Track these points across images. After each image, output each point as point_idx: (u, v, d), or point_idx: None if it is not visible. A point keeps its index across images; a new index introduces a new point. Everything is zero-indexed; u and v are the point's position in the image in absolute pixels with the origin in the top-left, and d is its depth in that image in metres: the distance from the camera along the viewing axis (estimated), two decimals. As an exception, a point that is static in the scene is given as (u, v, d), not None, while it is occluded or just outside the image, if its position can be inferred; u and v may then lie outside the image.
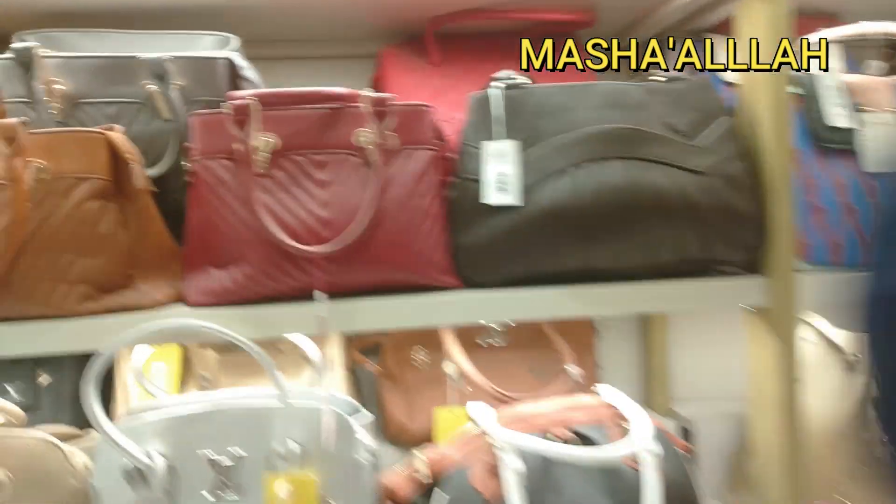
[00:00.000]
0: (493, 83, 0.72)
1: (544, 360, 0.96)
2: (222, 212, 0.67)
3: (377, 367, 0.93)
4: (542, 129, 0.71)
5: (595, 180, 0.69)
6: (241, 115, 0.65)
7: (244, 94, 0.66)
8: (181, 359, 0.86)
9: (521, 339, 0.96)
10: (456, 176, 0.73)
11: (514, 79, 0.72)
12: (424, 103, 0.71)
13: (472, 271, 0.73)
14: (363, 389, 0.99)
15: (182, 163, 0.72)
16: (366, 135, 0.68)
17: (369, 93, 0.67)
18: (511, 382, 0.90)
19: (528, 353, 0.97)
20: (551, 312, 0.71)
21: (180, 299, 0.72)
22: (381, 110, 0.67)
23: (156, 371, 0.83)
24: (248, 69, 0.74)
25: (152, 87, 0.71)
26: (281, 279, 0.67)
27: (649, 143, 0.70)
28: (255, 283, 0.67)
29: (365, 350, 0.97)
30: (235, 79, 0.75)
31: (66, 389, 0.87)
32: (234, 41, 0.77)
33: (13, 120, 0.61)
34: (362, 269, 0.68)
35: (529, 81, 0.72)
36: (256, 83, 0.73)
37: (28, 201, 0.62)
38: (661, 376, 1.09)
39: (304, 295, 0.68)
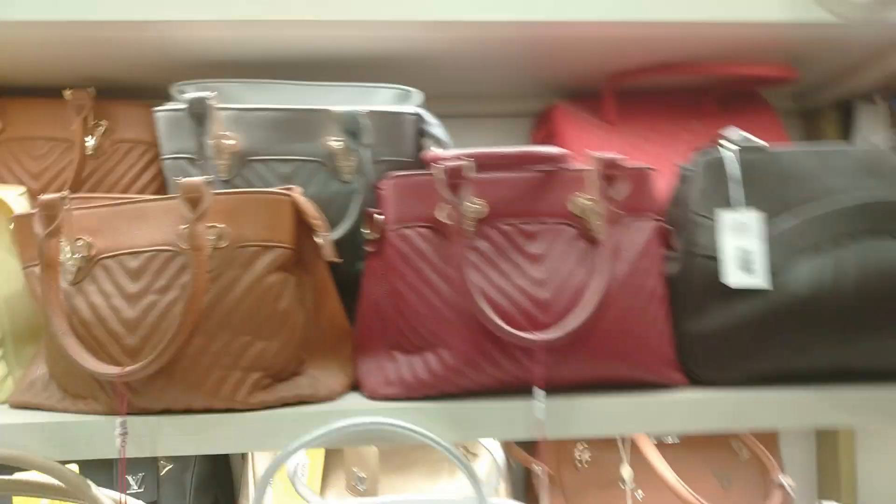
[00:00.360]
0: (725, 144, 0.62)
1: (730, 461, 0.82)
2: (419, 288, 0.57)
3: (543, 467, 0.80)
4: (787, 199, 0.60)
5: (863, 261, 0.57)
6: (455, 179, 0.55)
7: (453, 155, 0.57)
8: (324, 452, 0.75)
9: (697, 435, 0.83)
10: (681, 251, 0.62)
11: (749, 139, 0.62)
12: (648, 165, 0.61)
13: (700, 366, 0.61)
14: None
15: (361, 230, 0.63)
16: (586, 201, 0.58)
17: (597, 153, 0.58)
18: (692, 489, 0.76)
19: (709, 452, 0.83)
20: (803, 420, 0.58)
21: (354, 388, 0.62)
22: (610, 174, 0.57)
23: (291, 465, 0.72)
24: (436, 126, 0.65)
25: (335, 144, 0.62)
26: (487, 370, 0.56)
27: (918, 216, 0.59)
28: (456, 373, 0.56)
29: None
30: (419, 137, 0.67)
31: (189, 479, 0.76)
32: (417, 95, 0.68)
33: (199, 179, 0.53)
34: (581, 360, 0.57)
35: (765, 143, 0.62)
36: (445, 142, 0.65)
37: (207, 272, 0.53)
38: (848, 480, 0.93)
39: (507, 390, 0.57)
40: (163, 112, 0.64)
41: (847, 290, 0.57)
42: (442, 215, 0.57)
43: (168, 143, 0.64)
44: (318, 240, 0.58)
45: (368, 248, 0.62)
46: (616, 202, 0.57)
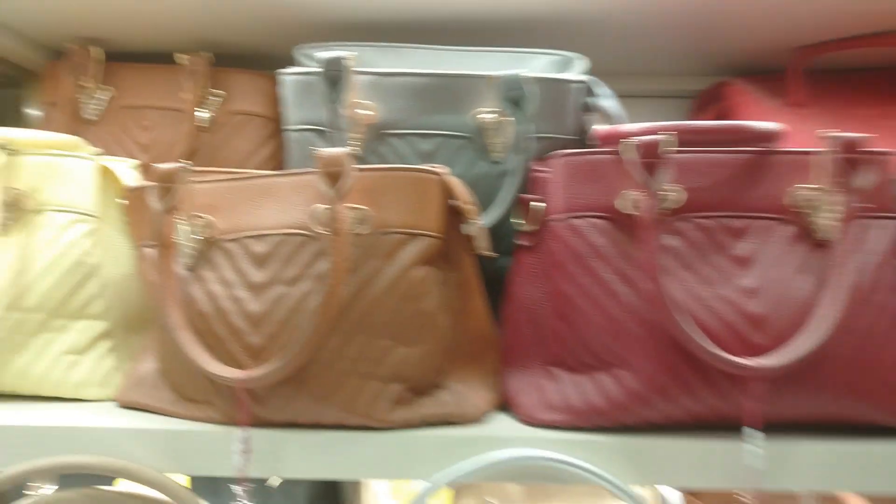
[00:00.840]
0: None
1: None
2: (594, 292, 0.46)
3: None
4: None
5: None
6: (650, 157, 0.45)
7: (641, 128, 0.46)
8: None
9: None
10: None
11: None
12: (890, 150, 0.48)
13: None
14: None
15: (511, 220, 0.53)
16: (813, 192, 0.46)
17: (831, 132, 0.45)
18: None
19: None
20: None
21: (500, 407, 0.52)
22: (852, 157, 0.45)
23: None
24: (608, 98, 0.55)
25: (488, 116, 0.53)
26: (680, 400, 0.45)
27: None
28: (640, 402, 0.45)
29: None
30: (583, 111, 0.56)
31: (300, 491, 0.69)
32: (581, 63, 0.58)
33: (340, 151, 0.44)
34: (804, 394, 0.45)
35: None
36: (619, 118, 0.54)
37: (348, 262, 0.45)
38: None
39: (702, 425, 0.46)
40: (291, 76, 0.56)
41: None
42: (624, 204, 0.46)
43: (295, 112, 0.56)
44: (470, 229, 0.48)
45: (522, 242, 0.52)
46: (858, 194, 0.45)
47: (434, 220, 0.47)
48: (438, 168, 0.49)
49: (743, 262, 0.46)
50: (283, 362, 0.43)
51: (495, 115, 0.52)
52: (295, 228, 0.47)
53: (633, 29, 0.65)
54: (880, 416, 0.46)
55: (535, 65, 0.58)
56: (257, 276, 0.47)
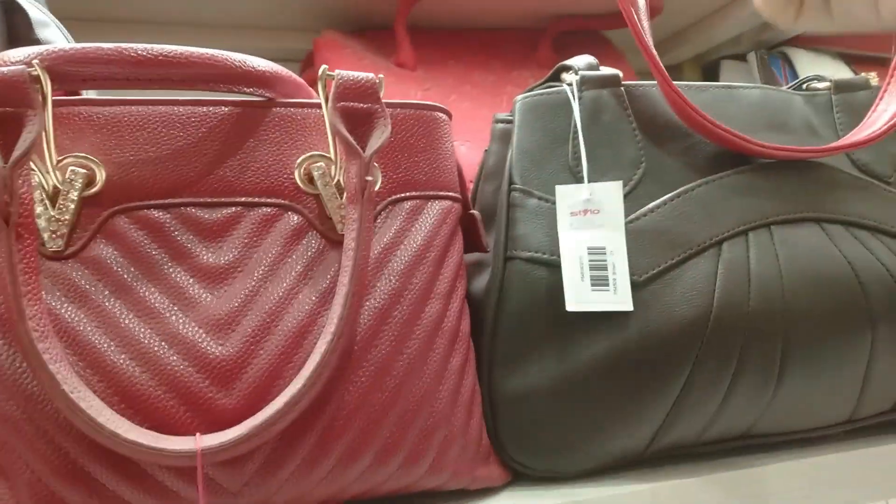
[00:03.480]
0: (565, 76, 0.37)
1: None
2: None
3: None
4: (659, 163, 0.37)
5: (776, 263, 0.35)
6: (17, 104, 0.25)
7: (29, 55, 0.27)
8: None
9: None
10: (493, 252, 0.37)
11: (597, 68, 0.38)
12: (440, 105, 0.35)
13: (528, 450, 0.36)
14: None
15: None
16: (321, 164, 0.31)
17: (335, 72, 0.30)
18: None
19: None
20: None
21: None
22: (356, 108, 0.30)
23: None
24: (48, 28, 0.35)
25: None
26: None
27: (849, 192, 0.38)
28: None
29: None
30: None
31: None
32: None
33: None
34: (311, 469, 0.29)
35: (620, 74, 0.38)
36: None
37: None
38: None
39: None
40: None
41: (762, 306, 0.35)
42: None
43: None
44: None
45: None
46: (369, 164, 0.30)
47: None
48: None
49: (218, 276, 0.29)
50: None
51: None
52: None
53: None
54: (423, 478, 0.32)
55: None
56: None
